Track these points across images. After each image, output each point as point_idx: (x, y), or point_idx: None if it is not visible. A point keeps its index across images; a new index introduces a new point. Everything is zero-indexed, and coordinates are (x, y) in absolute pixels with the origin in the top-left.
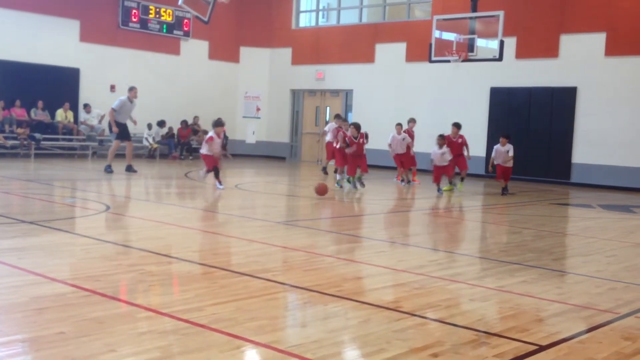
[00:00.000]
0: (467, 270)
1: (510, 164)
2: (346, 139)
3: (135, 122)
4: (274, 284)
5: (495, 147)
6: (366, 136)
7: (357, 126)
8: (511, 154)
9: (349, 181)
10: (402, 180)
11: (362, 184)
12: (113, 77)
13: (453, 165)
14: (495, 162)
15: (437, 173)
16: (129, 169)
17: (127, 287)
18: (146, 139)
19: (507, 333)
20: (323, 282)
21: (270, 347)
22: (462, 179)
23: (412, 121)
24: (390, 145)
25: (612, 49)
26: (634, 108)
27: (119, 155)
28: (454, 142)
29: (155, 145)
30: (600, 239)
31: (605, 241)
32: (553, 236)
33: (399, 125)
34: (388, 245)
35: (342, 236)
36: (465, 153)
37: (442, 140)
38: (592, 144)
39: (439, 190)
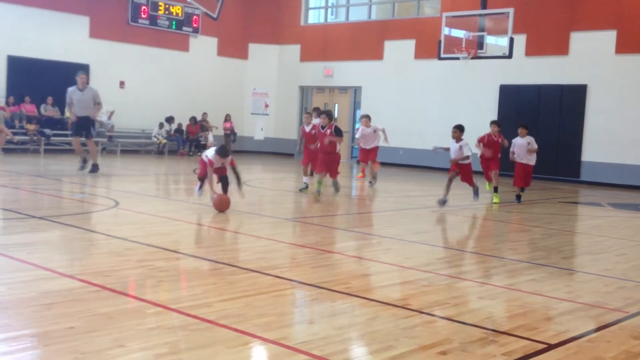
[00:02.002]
0: (476, 268)
1: (532, 160)
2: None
3: (95, 119)
4: (281, 281)
5: (513, 140)
6: (337, 130)
7: (328, 114)
8: (534, 146)
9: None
10: (369, 180)
11: (318, 194)
12: (122, 74)
13: (487, 165)
14: (515, 159)
15: (457, 172)
16: (87, 164)
17: (136, 282)
18: (155, 137)
19: (516, 331)
20: (331, 279)
21: (278, 344)
22: (495, 189)
23: (365, 117)
24: (358, 140)
25: (623, 46)
26: None
27: (129, 152)
28: (495, 142)
29: (164, 141)
30: (610, 237)
31: (615, 240)
32: (562, 234)
33: (366, 117)
34: (396, 243)
35: (350, 233)
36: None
37: (459, 132)
38: (601, 142)
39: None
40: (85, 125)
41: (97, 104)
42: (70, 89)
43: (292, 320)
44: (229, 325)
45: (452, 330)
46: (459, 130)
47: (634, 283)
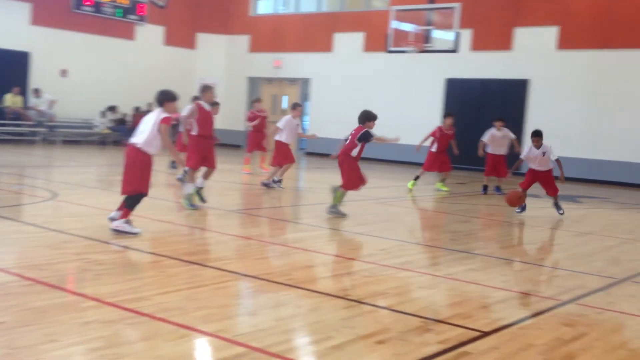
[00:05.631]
0: (417, 259)
1: (504, 150)
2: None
3: None
4: (224, 273)
5: (489, 131)
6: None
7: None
8: (555, 155)
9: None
10: (277, 181)
11: (202, 199)
12: (65, 62)
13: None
14: (486, 150)
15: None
16: None
17: (72, 276)
18: (98, 126)
19: (452, 320)
20: (274, 271)
21: (216, 336)
22: (443, 180)
23: (256, 101)
24: (282, 130)
25: (564, 42)
26: (584, 100)
27: (70, 142)
28: (446, 135)
29: (107, 131)
30: (547, 228)
31: (551, 230)
32: (501, 225)
33: (298, 106)
34: (339, 234)
35: (295, 225)
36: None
37: (539, 138)
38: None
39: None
40: None
41: None
42: None
43: (232, 313)
44: (167, 318)
45: (392, 319)
46: (540, 137)
47: (567, 272)
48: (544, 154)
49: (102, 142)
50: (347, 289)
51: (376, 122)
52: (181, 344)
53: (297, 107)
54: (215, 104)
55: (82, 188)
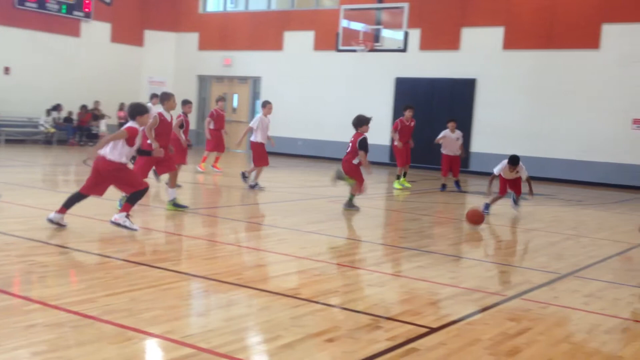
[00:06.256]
0: (367, 257)
1: (459, 152)
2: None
3: None
4: (172, 274)
5: (443, 132)
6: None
7: (167, 96)
8: (525, 175)
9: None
10: (253, 185)
11: (181, 206)
12: (8, 59)
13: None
14: (442, 152)
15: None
16: None
17: (15, 278)
18: (42, 125)
19: (401, 317)
20: (223, 271)
21: (163, 338)
22: (404, 174)
23: (221, 100)
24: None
25: (510, 42)
26: (530, 99)
27: (14, 141)
28: (407, 127)
29: (53, 130)
30: (494, 224)
31: (498, 227)
32: (450, 223)
33: (268, 103)
34: (291, 233)
35: (244, 224)
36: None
37: (515, 166)
38: (489, 134)
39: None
40: None
41: None
42: None
43: (180, 314)
44: (113, 320)
45: (341, 317)
46: (515, 165)
47: (513, 267)
48: (517, 172)
49: (47, 141)
50: (297, 287)
51: (369, 125)
52: (128, 346)
53: (267, 105)
54: (187, 103)
55: (26, 188)
